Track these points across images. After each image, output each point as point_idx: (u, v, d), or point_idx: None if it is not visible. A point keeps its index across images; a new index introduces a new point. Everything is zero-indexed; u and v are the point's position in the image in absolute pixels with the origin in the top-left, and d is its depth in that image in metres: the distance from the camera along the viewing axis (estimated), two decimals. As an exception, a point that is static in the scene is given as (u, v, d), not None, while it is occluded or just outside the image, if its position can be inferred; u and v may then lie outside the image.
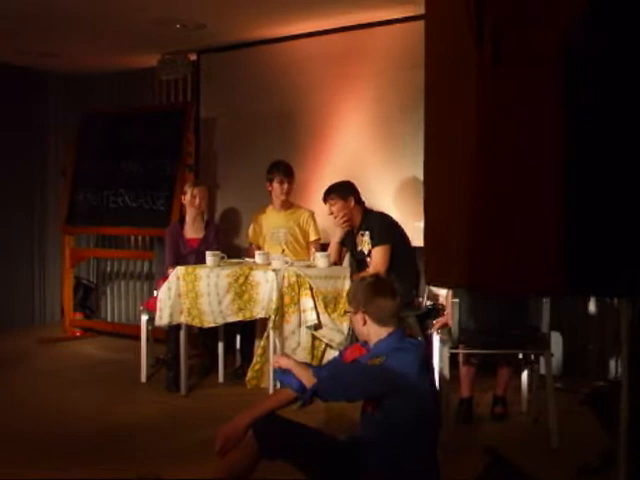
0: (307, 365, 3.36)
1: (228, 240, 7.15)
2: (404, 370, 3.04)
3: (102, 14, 6.24)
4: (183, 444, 4.29)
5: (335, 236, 5.72)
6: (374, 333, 3.23)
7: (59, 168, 8.42)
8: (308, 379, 3.15)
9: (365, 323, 3.23)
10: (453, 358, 4.56)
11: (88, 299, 8.48)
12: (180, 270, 5.25)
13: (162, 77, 7.71)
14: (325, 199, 5.61)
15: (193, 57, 7.60)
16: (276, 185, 6.07)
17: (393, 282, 3.40)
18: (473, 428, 4.66)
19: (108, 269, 8.63)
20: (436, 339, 4.75)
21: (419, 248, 5.75)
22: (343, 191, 5.56)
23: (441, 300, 5.96)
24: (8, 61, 7.91)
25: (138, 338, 5.88)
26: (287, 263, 5.20)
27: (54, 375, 6.07)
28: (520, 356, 4.84)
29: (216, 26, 6.64)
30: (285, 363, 3.29)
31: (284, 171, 6.07)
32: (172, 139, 7.08)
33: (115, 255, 8.41)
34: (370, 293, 3.26)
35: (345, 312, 3.45)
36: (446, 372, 4.34)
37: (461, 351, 4.62)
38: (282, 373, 3.27)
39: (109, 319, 8.51)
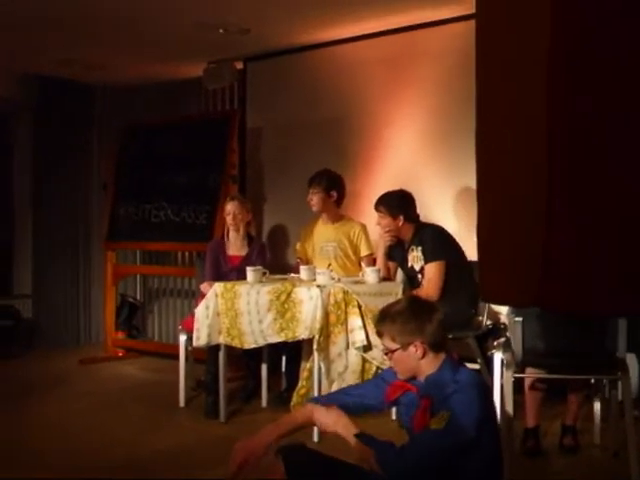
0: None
1: (276, 258, 6.80)
2: (471, 419, 2.59)
3: (143, 19, 5.99)
4: (216, 476, 3.90)
5: (380, 248, 5.31)
6: (428, 364, 2.76)
7: (102, 182, 8.17)
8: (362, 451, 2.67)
9: (424, 355, 2.75)
10: (517, 383, 4.11)
11: (134, 318, 8.18)
12: (219, 287, 4.89)
13: (208, 86, 7.43)
14: (376, 208, 5.21)
15: (239, 65, 7.31)
16: (309, 196, 5.71)
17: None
18: (541, 463, 4.18)
19: (155, 286, 8.35)
20: (497, 361, 4.31)
21: (477, 263, 5.35)
22: (393, 207, 5.13)
23: (502, 319, 5.53)
24: (53, 73, 7.72)
25: (187, 359, 5.58)
26: (333, 279, 4.80)
27: (90, 397, 5.77)
28: (592, 381, 4.36)
29: (261, 31, 6.33)
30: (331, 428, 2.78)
31: (311, 181, 5.71)
32: (216, 149, 6.76)
33: (157, 272, 8.12)
34: (423, 315, 2.80)
35: (386, 354, 2.90)
36: (509, 400, 3.88)
37: (527, 375, 4.16)
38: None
39: (156, 338, 8.21)
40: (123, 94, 8.34)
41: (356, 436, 2.68)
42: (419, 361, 2.76)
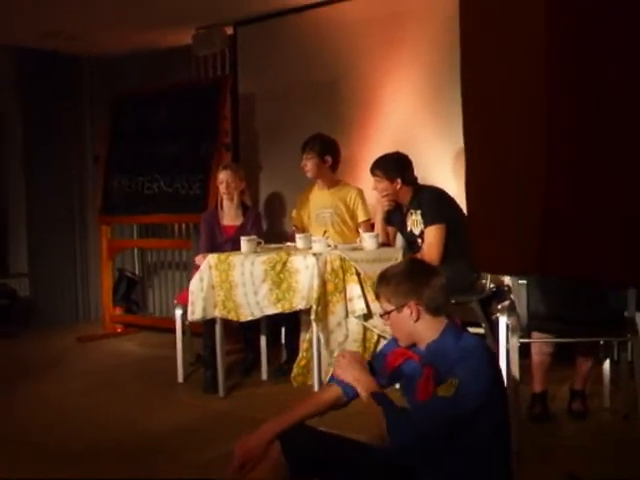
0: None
1: (274, 226, 6.65)
2: (480, 386, 2.46)
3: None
4: (214, 454, 3.77)
5: (377, 214, 5.15)
6: (427, 329, 2.61)
7: (95, 155, 7.99)
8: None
9: (419, 318, 2.61)
10: (523, 347, 3.97)
11: (133, 293, 8.04)
12: (212, 259, 4.73)
13: (198, 53, 7.23)
14: (371, 172, 5.03)
15: (229, 30, 7.09)
16: (303, 163, 5.54)
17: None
18: (549, 428, 4.05)
19: (153, 260, 8.20)
20: (502, 325, 4.16)
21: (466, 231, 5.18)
22: (390, 170, 4.95)
23: (506, 281, 5.38)
24: (36, 46, 7.51)
25: (185, 333, 5.44)
26: (330, 246, 4.64)
27: (88, 376, 5.63)
28: (601, 343, 4.21)
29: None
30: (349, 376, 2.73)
31: (305, 147, 5.55)
32: (207, 117, 6.57)
33: (153, 245, 7.97)
34: (419, 277, 2.66)
35: (382, 315, 2.77)
36: (516, 365, 3.74)
37: (533, 340, 4.01)
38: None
39: (157, 313, 8.08)
40: (111, 65, 8.14)
41: (372, 394, 2.60)
42: (415, 325, 2.62)
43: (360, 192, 5.58)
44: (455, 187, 5.40)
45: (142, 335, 7.19)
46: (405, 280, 2.65)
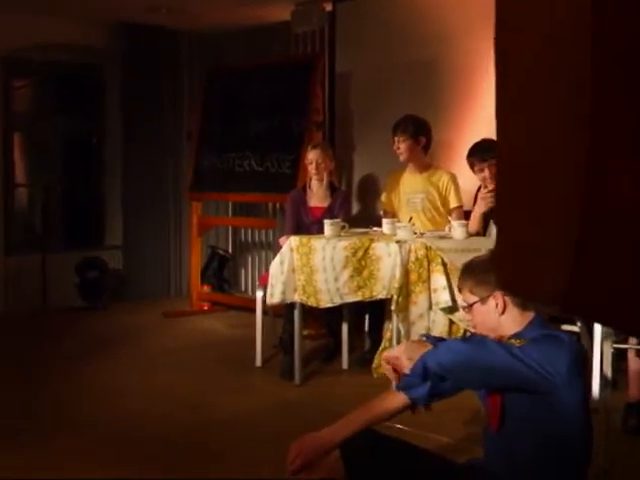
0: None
1: (367, 209, 6.43)
2: (550, 366, 2.16)
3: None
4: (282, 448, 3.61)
5: (478, 208, 4.82)
6: (512, 322, 2.35)
7: (188, 131, 7.95)
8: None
9: (504, 310, 2.36)
10: (619, 351, 3.66)
11: (224, 271, 7.98)
12: (294, 241, 4.57)
13: (296, 30, 7.05)
14: (483, 158, 4.66)
15: (328, 7, 6.89)
16: (395, 144, 5.28)
17: None
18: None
19: (246, 238, 8.12)
20: (598, 327, 3.85)
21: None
22: (487, 155, 4.65)
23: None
24: (139, 21, 7.49)
25: (267, 313, 5.30)
26: (415, 233, 4.40)
27: (167, 354, 5.59)
28: None
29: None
30: (394, 364, 2.41)
31: (396, 127, 5.30)
32: (300, 95, 6.39)
33: (243, 223, 7.89)
34: None
35: (464, 308, 2.51)
36: (608, 372, 3.43)
37: (630, 346, 3.69)
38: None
39: (249, 293, 8.00)
40: (210, 40, 8.06)
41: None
42: (500, 318, 2.36)
43: (453, 177, 5.31)
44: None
45: (229, 314, 7.11)
46: (490, 268, 2.38)
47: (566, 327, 4.53)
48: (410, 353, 2.34)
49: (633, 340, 3.67)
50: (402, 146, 5.27)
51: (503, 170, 0.87)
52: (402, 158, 5.32)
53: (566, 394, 2.21)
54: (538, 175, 0.81)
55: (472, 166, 4.75)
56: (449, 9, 5.99)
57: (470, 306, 2.43)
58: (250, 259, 8.11)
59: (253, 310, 6.40)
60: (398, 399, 2.42)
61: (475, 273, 2.43)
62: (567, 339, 2.30)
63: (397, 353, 2.40)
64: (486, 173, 4.64)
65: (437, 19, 6.06)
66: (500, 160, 0.88)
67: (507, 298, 2.34)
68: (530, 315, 2.37)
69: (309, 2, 6.79)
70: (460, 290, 2.51)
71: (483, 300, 2.38)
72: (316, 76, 6.41)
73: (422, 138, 5.27)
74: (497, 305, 2.36)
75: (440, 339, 2.49)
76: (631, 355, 3.81)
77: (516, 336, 2.31)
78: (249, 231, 8.04)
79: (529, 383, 2.20)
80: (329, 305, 4.48)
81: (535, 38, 0.83)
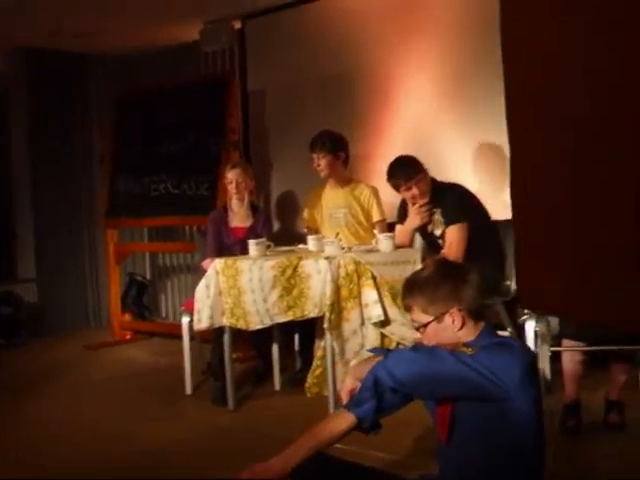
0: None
1: (287, 227, 6.36)
2: (502, 374, 2.14)
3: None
4: (221, 474, 3.49)
5: (412, 223, 4.79)
6: (468, 334, 2.30)
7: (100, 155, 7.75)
8: None
9: (464, 324, 2.30)
10: (552, 354, 3.68)
11: (143, 297, 7.78)
12: (219, 263, 4.46)
13: (205, 48, 6.97)
14: (409, 176, 4.65)
15: (237, 25, 6.83)
16: (314, 162, 5.24)
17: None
18: (583, 442, 3.74)
19: (164, 263, 7.94)
20: (530, 331, 3.88)
21: (503, 222, 4.89)
22: (419, 165, 4.67)
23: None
24: (44, 45, 7.27)
25: (193, 339, 5.15)
26: (343, 249, 4.35)
27: (92, 387, 5.39)
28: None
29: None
30: (351, 384, 2.37)
31: (315, 144, 5.24)
32: (214, 114, 6.29)
33: (162, 248, 7.70)
34: (456, 277, 2.34)
35: (418, 329, 2.41)
36: (547, 375, 3.44)
37: (565, 349, 3.71)
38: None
39: (170, 318, 7.81)
40: (119, 63, 7.89)
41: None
42: (458, 333, 2.30)
43: (375, 190, 5.29)
44: (476, 184, 5.11)
45: (152, 342, 6.93)
46: (442, 284, 2.31)
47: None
48: (359, 375, 2.29)
49: (567, 342, 3.70)
50: (322, 162, 5.22)
51: (519, 183, 0.80)
52: (323, 174, 5.27)
53: (519, 401, 2.17)
54: (561, 186, 0.75)
55: (397, 187, 4.72)
56: (359, 22, 5.99)
57: (424, 326, 2.35)
58: (170, 284, 7.94)
59: (177, 336, 6.24)
60: (345, 420, 2.32)
61: (425, 291, 2.34)
62: (518, 346, 2.27)
63: (350, 384, 2.35)
64: (415, 191, 4.64)
65: (349, 32, 6.05)
66: (515, 167, 0.81)
67: (463, 312, 2.29)
68: (482, 324, 2.33)
69: (217, 20, 6.72)
70: (409, 309, 2.40)
71: (439, 319, 2.32)
72: (229, 95, 6.32)
73: (341, 153, 5.24)
74: (454, 321, 2.30)
75: (389, 350, 2.43)
76: (565, 357, 3.82)
77: (468, 345, 2.26)
78: (167, 256, 7.87)
79: (481, 391, 2.16)
80: (259, 327, 4.39)
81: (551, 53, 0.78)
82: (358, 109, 6.00)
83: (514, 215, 0.79)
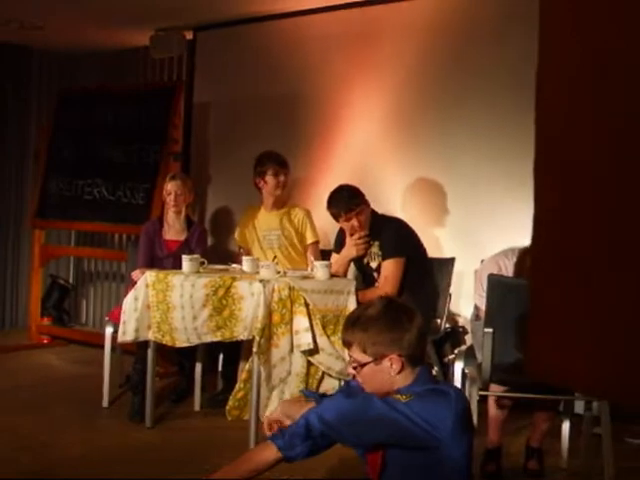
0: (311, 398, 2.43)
1: (220, 243, 6.27)
2: (435, 421, 2.12)
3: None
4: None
5: (348, 252, 4.74)
6: (404, 379, 2.27)
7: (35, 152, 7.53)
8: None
9: (402, 369, 2.26)
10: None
11: (65, 302, 7.57)
12: (150, 276, 4.35)
13: (154, 56, 6.85)
14: (349, 207, 4.56)
15: (189, 35, 6.75)
16: (270, 178, 5.17)
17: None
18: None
19: (89, 268, 7.74)
20: (458, 372, 3.88)
21: (437, 260, 4.91)
22: (363, 197, 4.63)
23: (461, 322, 5.12)
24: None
25: (114, 350, 4.99)
26: (279, 272, 4.29)
27: (6, 393, 5.17)
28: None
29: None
30: (277, 416, 2.36)
31: (278, 161, 5.18)
32: (158, 123, 6.17)
33: (90, 254, 7.51)
34: (401, 323, 2.30)
35: (354, 368, 2.35)
36: (475, 418, 3.42)
37: (494, 394, 3.70)
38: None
39: (90, 325, 7.61)
40: (65, 60, 7.71)
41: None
42: (394, 377, 2.26)
43: (308, 213, 5.28)
44: (416, 218, 5.11)
45: (70, 349, 6.72)
46: (386, 327, 2.27)
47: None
48: (288, 411, 2.25)
49: (494, 387, 3.69)
50: (284, 180, 5.19)
51: (543, 232, 0.75)
52: (278, 193, 5.22)
53: (452, 449, 2.15)
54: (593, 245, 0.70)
55: (336, 216, 4.65)
56: (313, 46, 5.97)
57: (361, 366, 2.31)
58: (93, 291, 7.75)
59: (97, 345, 6.09)
60: (271, 454, 2.27)
61: (369, 332, 2.29)
62: (453, 393, 2.24)
63: (277, 416, 2.31)
64: (354, 222, 4.58)
65: (300, 55, 6.03)
66: (540, 206, 0.76)
67: (403, 358, 2.25)
68: (418, 369, 2.30)
69: (169, 29, 6.63)
70: (348, 345, 2.35)
71: (377, 361, 2.27)
72: (174, 105, 6.22)
73: (288, 173, 5.24)
74: (392, 366, 2.26)
75: (321, 395, 2.39)
76: (491, 402, 3.82)
77: (403, 391, 2.22)
78: (93, 261, 7.69)
79: (413, 439, 2.13)
80: (185, 345, 4.29)
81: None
82: (303, 132, 5.97)
83: (533, 272, 0.71)
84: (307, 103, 6.02)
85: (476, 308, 4.21)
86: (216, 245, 6.26)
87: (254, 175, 5.23)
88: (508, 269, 3.91)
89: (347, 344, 2.35)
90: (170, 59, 7.03)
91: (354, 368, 2.32)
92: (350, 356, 2.35)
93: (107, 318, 5.14)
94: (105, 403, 4.86)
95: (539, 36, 0.77)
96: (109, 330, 4.92)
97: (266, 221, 5.28)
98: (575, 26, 0.73)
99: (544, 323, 0.71)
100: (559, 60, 0.75)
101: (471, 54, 5.22)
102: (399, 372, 2.25)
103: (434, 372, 4.53)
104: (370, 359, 2.27)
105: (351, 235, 4.66)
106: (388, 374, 2.25)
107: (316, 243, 5.25)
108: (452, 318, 5.04)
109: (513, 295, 3.40)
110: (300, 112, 6.03)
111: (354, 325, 2.33)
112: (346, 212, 4.55)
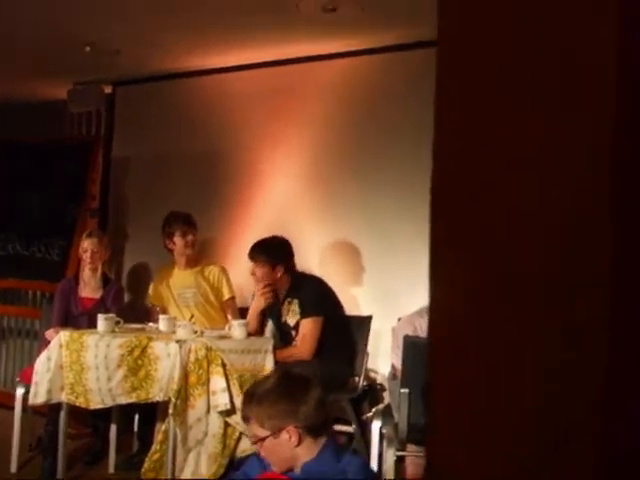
0: None
1: (136, 301, 6.18)
2: None
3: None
4: None
5: (256, 304, 4.79)
6: (307, 451, 2.26)
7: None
8: None
9: (300, 442, 2.27)
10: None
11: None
12: (64, 336, 4.26)
13: (72, 109, 6.78)
14: (251, 256, 4.71)
15: (108, 89, 6.71)
16: (178, 239, 5.19)
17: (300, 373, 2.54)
18: None
19: (1, 325, 7.51)
20: (375, 431, 3.89)
21: (355, 318, 4.95)
22: (272, 256, 4.67)
23: (379, 379, 5.14)
24: None
25: (25, 410, 4.81)
26: (196, 332, 4.26)
27: None
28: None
29: (133, 53, 5.76)
30: None
31: (185, 221, 5.22)
32: (75, 178, 6.11)
33: (1, 311, 7.28)
34: (296, 394, 2.32)
35: (254, 443, 2.37)
36: (391, 478, 3.44)
37: (410, 454, 3.72)
38: None
39: (1, 385, 7.37)
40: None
41: None
42: (295, 449, 2.26)
43: (224, 269, 5.31)
44: (334, 277, 5.15)
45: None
46: (280, 400, 2.28)
47: (340, 427, 4.56)
48: None
49: (412, 447, 3.71)
50: (192, 239, 5.19)
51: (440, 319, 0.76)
52: (189, 252, 5.21)
53: None
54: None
55: (250, 260, 4.75)
56: (233, 103, 6.01)
57: (261, 440, 2.31)
58: (5, 349, 7.49)
59: (6, 406, 5.89)
60: None
61: (264, 406, 2.31)
62: (357, 464, 2.26)
63: None
64: (257, 272, 4.66)
65: (220, 112, 6.06)
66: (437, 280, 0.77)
67: (300, 430, 2.26)
68: (323, 440, 2.30)
69: (88, 82, 6.59)
70: (246, 420, 2.37)
71: (275, 434, 2.28)
72: (94, 161, 6.17)
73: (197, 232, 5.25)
74: (291, 438, 2.27)
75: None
76: (409, 462, 3.84)
77: (307, 466, 2.23)
78: (5, 318, 7.46)
79: None
80: (100, 406, 4.20)
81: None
82: (222, 189, 5.97)
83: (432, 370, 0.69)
84: (227, 160, 6.04)
85: (393, 367, 4.25)
86: (133, 302, 6.17)
87: (162, 237, 5.26)
88: (422, 328, 3.97)
89: (246, 420, 2.38)
90: (89, 113, 6.97)
91: (254, 443, 2.32)
92: (250, 432, 2.36)
93: (18, 379, 5.00)
94: (13, 468, 4.69)
95: (434, 108, 0.80)
96: (20, 391, 4.78)
97: (180, 279, 5.26)
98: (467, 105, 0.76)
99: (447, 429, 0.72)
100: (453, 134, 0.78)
101: (386, 112, 5.32)
102: (298, 444, 2.25)
103: (351, 429, 4.55)
104: (268, 433, 2.28)
105: (257, 285, 4.73)
106: (288, 447, 2.26)
107: (233, 299, 5.26)
108: (370, 376, 5.06)
109: (427, 356, 3.44)
110: (220, 169, 6.04)
111: (250, 400, 2.35)
112: (250, 259, 4.64)
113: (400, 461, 3.85)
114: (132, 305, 6.06)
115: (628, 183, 0.66)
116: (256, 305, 4.78)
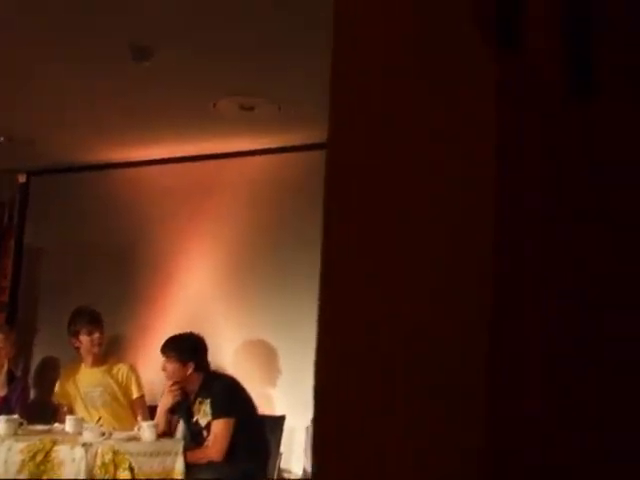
0: None
1: (42, 397, 5.96)
2: None
3: None
4: None
5: (164, 401, 4.69)
6: None
7: None
8: None
9: None
10: None
11: None
12: (-38, 439, 4.07)
13: (-16, 198, 6.66)
14: (163, 351, 4.63)
15: (22, 179, 6.62)
16: (85, 338, 5.10)
17: None
18: None
19: None
20: None
21: (268, 417, 4.87)
22: (184, 353, 4.60)
23: (293, 478, 5.05)
24: None
25: None
26: (104, 434, 4.12)
27: None
28: None
29: (48, 143, 5.72)
30: None
31: (92, 318, 5.14)
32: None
33: None
34: None
35: None
36: None
37: None
38: None
39: None
40: None
41: None
42: None
43: (133, 367, 5.23)
44: (246, 375, 5.08)
45: None
46: None
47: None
48: None
49: None
50: (99, 338, 5.08)
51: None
52: (97, 350, 5.10)
53: None
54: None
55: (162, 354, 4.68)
56: (150, 195, 6.00)
57: None
58: None
59: None
60: None
61: None
62: None
63: None
64: (167, 367, 4.60)
65: (136, 205, 6.03)
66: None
67: None
68: None
69: (1, 171, 6.49)
70: None
71: None
72: (5, 251, 6.03)
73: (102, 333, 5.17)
74: None
75: None
76: None
77: None
78: None
79: None
80: (-3, 517, 4.00)
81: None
82: (138, 283, 5.88)
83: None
84: (141, 254, 5.96)
85: (304, 471, 4.19)
86: (39, 399, 5.95)
87: (68, 335, 5.15)
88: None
89: None
90: (1, 202, 6.84)
91: None
92: None
93: None
94: None
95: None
96: None
97: (87, 377, 5.15)
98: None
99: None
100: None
101: (298, 210, 5.33)
102: None
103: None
104: None
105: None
106: None
107: (142, 397, 5.16)
108: (283, 477, 4.97)
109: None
110: (134, 263, 5.96)
111: None
112: (161, 354, 4.60)
113: None
114: (39, 402, 5.84)
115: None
116: (164, 402, 4.70)
